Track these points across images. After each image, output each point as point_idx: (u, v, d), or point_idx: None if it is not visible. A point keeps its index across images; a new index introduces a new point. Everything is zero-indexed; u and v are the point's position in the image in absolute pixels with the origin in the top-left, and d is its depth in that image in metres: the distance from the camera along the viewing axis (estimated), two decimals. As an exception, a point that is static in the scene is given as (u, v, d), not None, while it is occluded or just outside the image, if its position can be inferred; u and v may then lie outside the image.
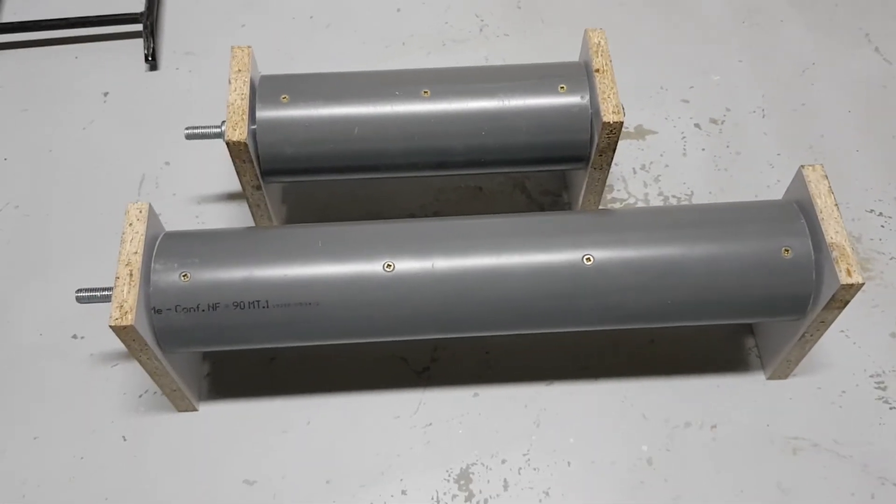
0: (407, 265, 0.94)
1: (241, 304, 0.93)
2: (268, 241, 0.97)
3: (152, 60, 1.41)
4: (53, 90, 1.40)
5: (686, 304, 0.96)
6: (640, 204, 1.26)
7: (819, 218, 0.95)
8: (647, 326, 1.01)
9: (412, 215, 1.26)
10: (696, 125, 1.35)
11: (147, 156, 1.32)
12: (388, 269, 0.94)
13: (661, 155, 1.32)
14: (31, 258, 1.22)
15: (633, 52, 1.43)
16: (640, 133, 1.34)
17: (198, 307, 0.92)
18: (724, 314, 0.98)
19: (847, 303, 0.94)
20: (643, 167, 1.30)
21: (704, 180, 1.29)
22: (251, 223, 1.20)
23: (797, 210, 0.98)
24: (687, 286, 0.95)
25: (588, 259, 0.95)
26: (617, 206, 1.26)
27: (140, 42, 1.45)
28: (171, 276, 0.93)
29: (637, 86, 1.38)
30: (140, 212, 0.94)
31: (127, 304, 0.88)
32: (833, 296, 0.93)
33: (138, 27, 1.45)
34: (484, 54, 1.44)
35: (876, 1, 1.51)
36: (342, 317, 0.94)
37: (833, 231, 0.94)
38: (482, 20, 1.49)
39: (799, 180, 0.99)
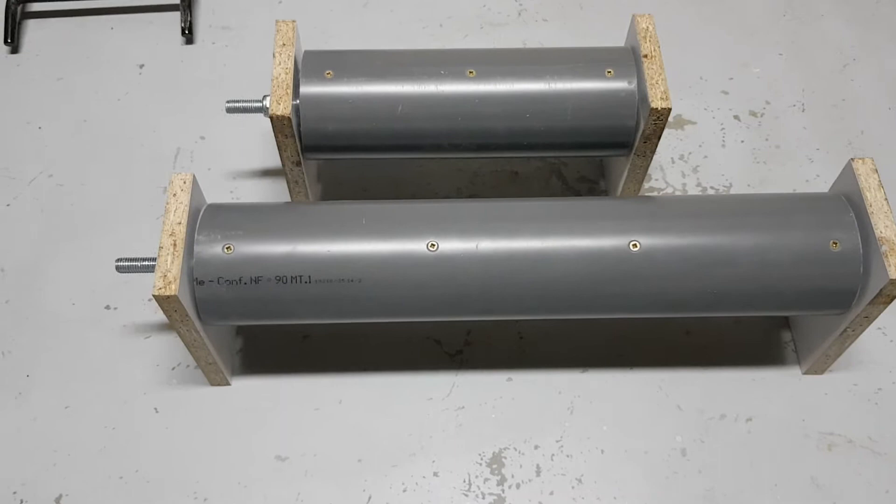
0: (451, 245, 0.94)
1: (284, 278, 0.92)
2: (311, 216, 0.97)
3: (189, 34, 1.41)
4: (89, 60, 1.39)
5: (732, 294, 0.95)
6: (678, 194, 1.25)
7: (869, 212, 0.94)
8: (692, 315, 1.00)
9: (448, 198, 1.25)
10: (736, 117, 1.34)
11: (182, 129, 1.31)
12: (431, 249, 0.93)
13: (700, 146, 1.31)
14: (65, 227, 1.21)
15: (672, 42, 1.41)
16: (680, 123, 1.33)
17: (240, 280, 0.91)
18: (769, 306, 0.97)
19: (894, 298, 0.93)
20: (682, 157, 1.29)
21: (743, 172, 1.28)
22: (286, 200, 1.19)
23: (846, 203, 0.97)
24: (733, 276, 0.94)
25: (634, 245, 0.94)
26: (654, 195, 1.25)
27: (177, 15, 1.44)
28: (214, 248, 0.92)
29: (677, 76, 1.37)
30: (184, 182, 0.94)
31: (171, 273, 0.87)
32: (880, 290, 0.91)
33: (176, 0, 1.44)
34: (522, 38, 1.43)
35: (919, -2, 1.50)
36: (384, 295, 0.94)
37: (883, 225, 0.93)
38: (521, 4, 1.47)
39: (848, 173, 0.98)
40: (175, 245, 0.89)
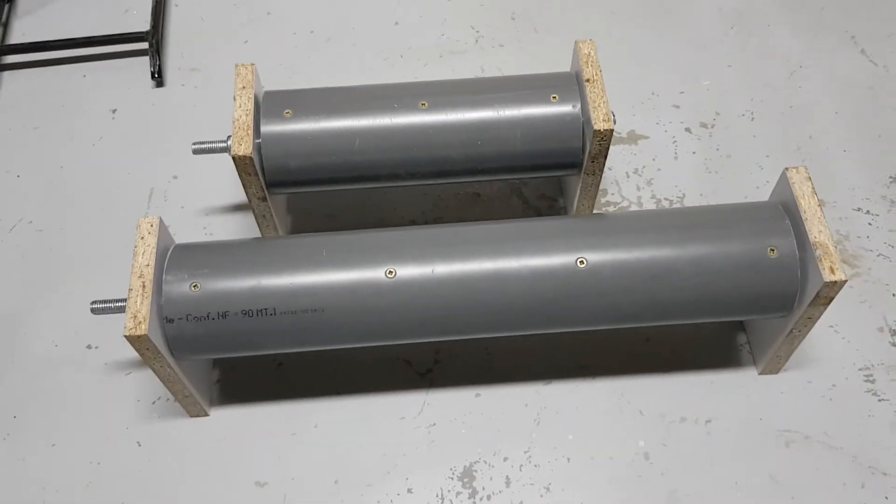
0: (408, 271, 0.98)
1: (250, 312, 0.97)
2: (274, 250, 1.02)
3: (158, 77, 1.46)
4: (63, 108, 1.44)
5: (677, 304, 1.00)
6: (634, 207, 1.30)
7: (803, 218, 0.98)
8: (641, 326, 1.05)
9: (413, 222, 1.30)
10: (687, 129, 1.39)
11: (155, 170, 1.36)
12: (389, 276, 0.98)
13: (654, 159, 1.36)
14: (46, 272, 1.26)
15: (624, 60, 1.47)
16: (633, 138, 1.38)
17: (208, 316, 0.96)
18: (714, 312, 1.02)
19: (831, 299, 0.98)
20: (636, 171, 1.34)
21: (695, 183, 1.33)
22: (257, 233, 1.24)
23: (782, 211, 1.02)
24: (677, 286, 0.99)
25: (581, 262, 0.98)
26: (611, 209, 1.30)
27: (146, 60, 1.49)
28: (181, 287, 0.97)
29: (629, 92, 1.42)
30: (151, 225, 0.99)
31: (140, 314, 0.92)
32: (818, 293, 0.96)
33: (144, 45, 1.49)
34: (480, 65, 1.48)
35: (862, 3, 1.55)
36: (347, 322, 0.98)
37: (816, 230, 0.97)
38: (478, 31, 1.53)
39: (783, 182, 1.03)
40: (144, 286, 0.94)
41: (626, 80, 1.43)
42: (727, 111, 1.41)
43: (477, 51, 1.50)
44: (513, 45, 1.51)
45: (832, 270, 0.95)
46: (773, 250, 0.99)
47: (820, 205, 0.99)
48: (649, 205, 1.30)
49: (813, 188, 1.01)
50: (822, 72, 1.46)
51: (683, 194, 1.31)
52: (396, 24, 1.54)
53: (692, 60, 1.48)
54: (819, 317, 1.02)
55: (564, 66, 1.25)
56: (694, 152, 1.36)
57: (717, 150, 1.36)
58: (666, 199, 1.31)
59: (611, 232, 1.02)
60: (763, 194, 1.31)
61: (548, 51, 1.49)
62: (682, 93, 1.43)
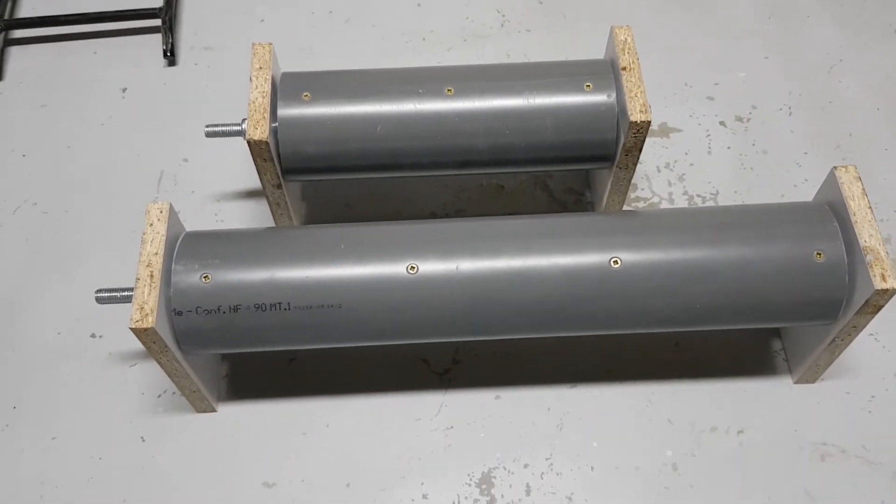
0: (431, 267, 0.93)
1: (263, 305, 0.91)
2: (290, 241, 0.96)
3: (171, 56, 1.40)
4: (72, 86, 1.39)
5: (716, 309, 0.94)
6: (665, 203, 1.24)
7: (852, 221, 0.93)
8: (676, 330, 0.99)
9: (433, 214, 1.24)
10: (722, 123, 1.33)
11: (166, 152, 1.31)
12: (411, 271, 0.93)
13: (686, 153, 1.30)
14: (50, 256, 1.21)
15: (656, 49, 1.40)
16: (665, 131, 1.32)
17: (219, 309, 0.91)
18: (755, 318, 0.96)
19: (881, 308, 0.92)
20: (667, 166, 1.28)
21: (730, 179, 1.27)
22: (271, 221, 1.19)
23: (829, 212, 0.96)
24: (717, 290, 0.93)
25: (615, 262, 0.93)
26: (641, 205, 1.24)
27: (159, 37, 1.43)
28: (191, 278, 0.91)
29: (661, 83, 1.36)
30: (161, 212, 0.93)
31: (148, 305, 0.87)
32: (867, 301, 0.90)
33: (157, 22, 1.44)
34: (505, 50, 1.42)
35: (905, -4, 1.48)
36: (365, 319, 0.93)
37: (867, 234, 0.92)
38: (503, 15, 1.47)
39: (831, 181, 0.97)
40: (152, 276, 0.89)
41: (658, 70, 1.37)
42: (764, 105, 1.35)
43: (502, 35, 1.44)
44: (540, 30, 1.45)
45: (884, 278, 0.89)
46: (819, 254, 0.93)
47: (870, 207, 0.93)
48: (681, 201, 1.25)
49: (863, 189, 0.95)
50: (863, 66, 1.40)
51: (717, 191, 1.25)
52: (419, 5, 1.48)
53: (727, 51, 1.41)
54: (865, 325, 0.96)
55: (593, 54, 1.19)
56: (728, 147, 1.30)
57: (753, 145, 1.30)
58: (699, 195, 1.25)
59: (647, 231, 0.96)
60: (801, 192, 1.25)
61: (577, 37, 1.43)
62: (716, 84, 1.37)
